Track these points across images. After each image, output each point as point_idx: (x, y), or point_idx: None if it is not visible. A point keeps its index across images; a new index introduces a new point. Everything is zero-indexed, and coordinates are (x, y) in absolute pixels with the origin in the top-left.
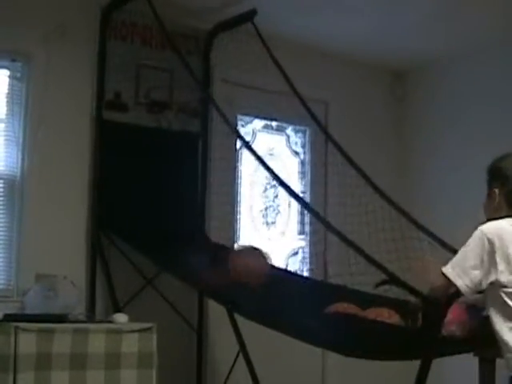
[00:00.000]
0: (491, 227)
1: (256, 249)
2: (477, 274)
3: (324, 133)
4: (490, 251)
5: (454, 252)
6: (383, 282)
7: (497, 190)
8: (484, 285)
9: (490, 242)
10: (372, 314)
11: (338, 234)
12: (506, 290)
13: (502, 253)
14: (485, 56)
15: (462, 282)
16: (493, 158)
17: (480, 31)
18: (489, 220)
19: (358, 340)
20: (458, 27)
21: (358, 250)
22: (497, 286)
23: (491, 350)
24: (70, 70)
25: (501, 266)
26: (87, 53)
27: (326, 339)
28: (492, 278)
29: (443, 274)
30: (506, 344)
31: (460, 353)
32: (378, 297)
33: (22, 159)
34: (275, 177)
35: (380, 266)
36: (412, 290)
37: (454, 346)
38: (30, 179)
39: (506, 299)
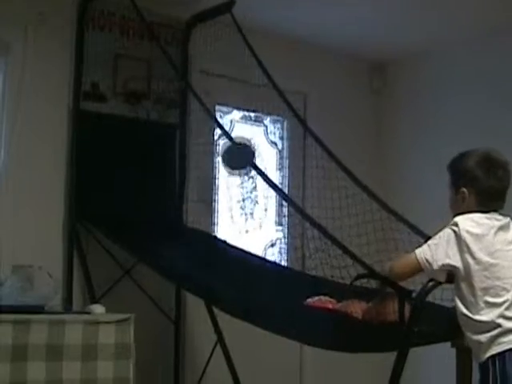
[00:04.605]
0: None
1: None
2: (441, 255)
3: (303, 125)
4: (458, 239)
5: None
6: (360, 276)
7: (465, 190)
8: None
9: (458, 235)
10: (345, 307)
11: (316, 225)
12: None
13: (466, 245)
14: (465, 48)
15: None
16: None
17: (460, 23)
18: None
19: (333, 334)
20: (437, 18)
21: (337, 243)
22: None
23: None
24: (47, 61)
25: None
26: (64, 43)
27: (302, 333)
28: (446, 261)
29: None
30: None
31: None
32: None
33: None
34: (253, 166)
35: (358, 259)
36: (390, 284)
37: (430, 338)
38: (6, 170)
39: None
